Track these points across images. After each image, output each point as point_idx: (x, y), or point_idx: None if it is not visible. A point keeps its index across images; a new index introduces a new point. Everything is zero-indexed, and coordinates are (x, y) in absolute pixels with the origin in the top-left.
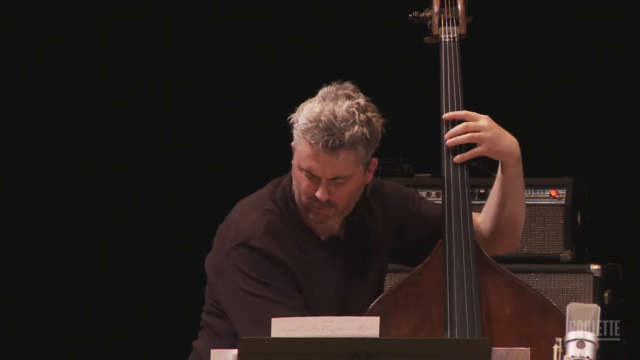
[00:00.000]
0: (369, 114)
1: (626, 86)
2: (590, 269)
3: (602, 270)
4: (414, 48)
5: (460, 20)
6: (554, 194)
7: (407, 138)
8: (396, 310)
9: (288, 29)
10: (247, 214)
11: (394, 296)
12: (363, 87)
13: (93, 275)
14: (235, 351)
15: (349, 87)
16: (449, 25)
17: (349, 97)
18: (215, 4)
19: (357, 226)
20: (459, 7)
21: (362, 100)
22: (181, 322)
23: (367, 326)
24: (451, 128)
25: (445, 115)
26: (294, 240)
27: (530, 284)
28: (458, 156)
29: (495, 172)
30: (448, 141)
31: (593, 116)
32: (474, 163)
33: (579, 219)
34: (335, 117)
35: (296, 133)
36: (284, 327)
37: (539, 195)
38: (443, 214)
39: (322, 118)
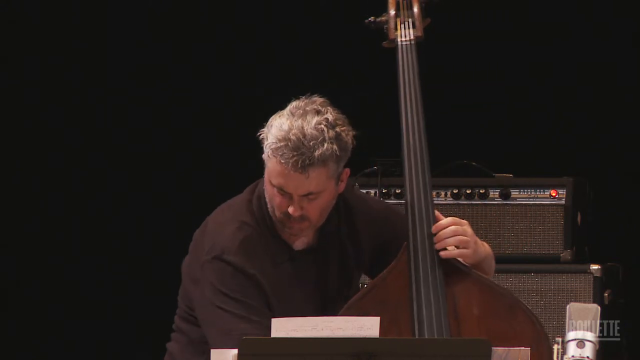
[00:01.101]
0: (338, 129)
1: (626, 86)
2: (590, 269)
3: (602, 270)
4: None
5: (417, 23)
6: (554, 194)
7: None
8: (364, 316)
9: (288, 29)
10: (224, 226)
11: (361, 302)
12: (362, 87)
13: (85, 276)
14: (235, 351)
15: (317, 100)
16: (405, 28)
17: (317, 112)
18: (213, 4)
19: (331, 235)
20: (415, 9)
21: (330, 115)
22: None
23: (367, 326)
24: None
25: (435, 230)
26: (269, 255)
27: (530, 284)
28: (445, 252)
29: (495, 172)
30: (437, 245)
31: (593, 116)
32: (473, 163)
33: (579, 219)
34: (304, 135)
35: (266, 149)
36: (284, 327)
37: (539, 195)
38: (406, 218)
39: (291, 137)
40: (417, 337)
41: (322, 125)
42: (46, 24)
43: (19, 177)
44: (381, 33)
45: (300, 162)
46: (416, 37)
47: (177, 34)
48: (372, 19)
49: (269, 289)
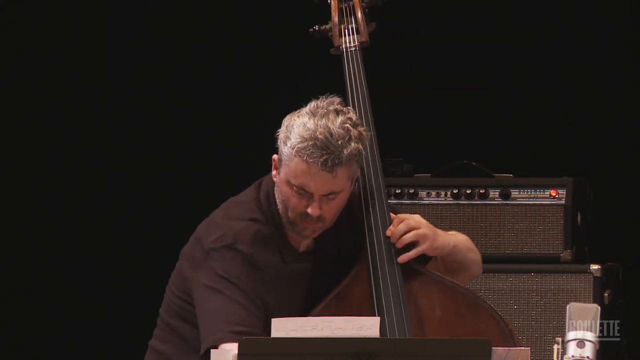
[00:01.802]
0: (360, 129)
1: (626, 86)
2: (590, 269)
3: (602, 270)
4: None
5: (361, 29)
6: (554, 194)
7: (407, 138)
8: None
9: (288, 29)
10: (234, 221)
11: (324, 311)
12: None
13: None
14: (235, 351)
15: (335, 100)
16: (349, 34)
17: (339, 112)
18: (213, 4)
19: (328, 236)
20: (358, 15)
21: (352, 115)
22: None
23: (367, 326)
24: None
25: (389, 233)
26: (278, 252)
27: (530, 284)
28: (403, 256)
29: (495, 172)
30: (397, 244)
31: (593, 116)
32: (473, 163)
33: (579, 219)
34: (331, 134)
35: (287, 149)
36: (284, 327)
37: (539, 195)
38: (363, 224)
39: (318, 136)
40: None
41: (348, 125)
42: (46, 24)
43: (19, 177)
44: (328, 41)
45: (329, 161)
46: (361, 43)
47: (177, 34)
48: (316, 27)
49: (272, 287)
